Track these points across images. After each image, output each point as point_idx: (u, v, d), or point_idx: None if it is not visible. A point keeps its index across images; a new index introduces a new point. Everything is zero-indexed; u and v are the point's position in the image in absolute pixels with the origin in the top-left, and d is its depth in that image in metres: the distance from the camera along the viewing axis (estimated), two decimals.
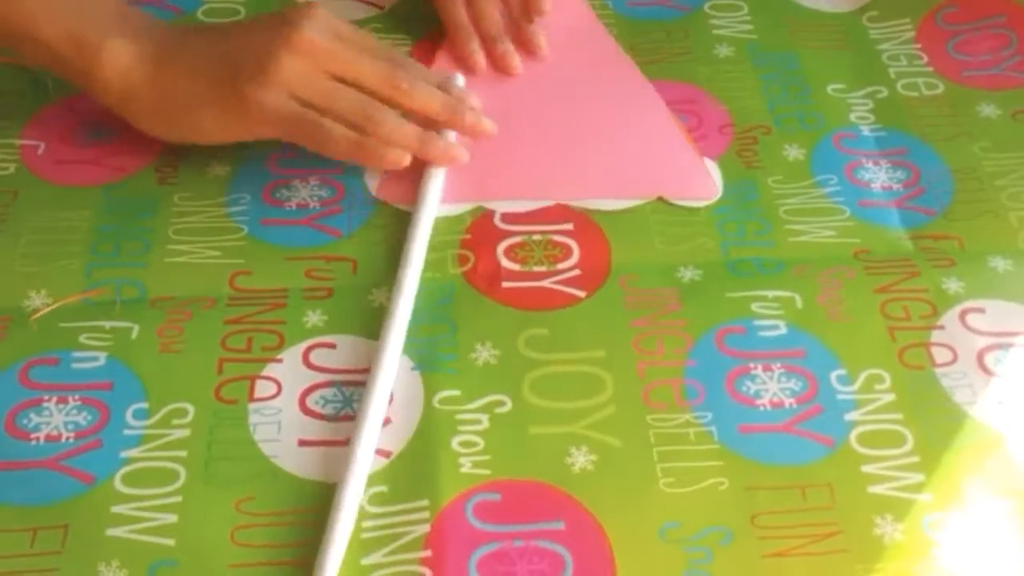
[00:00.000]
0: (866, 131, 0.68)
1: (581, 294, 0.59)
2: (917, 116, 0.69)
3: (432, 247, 0.61)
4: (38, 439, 0.53)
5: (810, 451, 0.53)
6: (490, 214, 0.63)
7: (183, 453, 0.53)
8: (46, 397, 0.54)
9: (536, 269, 0.60)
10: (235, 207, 0.63)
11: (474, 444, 0.53)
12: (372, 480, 0.52)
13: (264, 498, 0.51)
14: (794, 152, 0.67)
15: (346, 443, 0.53)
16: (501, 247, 0.62)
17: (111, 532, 0.50)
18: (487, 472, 0.52)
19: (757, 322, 0.58)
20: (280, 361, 0.56)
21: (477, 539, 0.50)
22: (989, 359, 0.57)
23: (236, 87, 0.59)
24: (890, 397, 0.55)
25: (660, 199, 0.63)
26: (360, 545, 0.50)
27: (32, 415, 0.54)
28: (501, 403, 0.55)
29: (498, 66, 0.69)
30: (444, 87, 0.65)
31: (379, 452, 0.53)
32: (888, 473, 0.53)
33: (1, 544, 0.50)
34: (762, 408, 0.55)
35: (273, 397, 0.55)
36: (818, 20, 0.75)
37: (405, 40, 0.73)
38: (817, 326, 0.58)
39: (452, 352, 0.57)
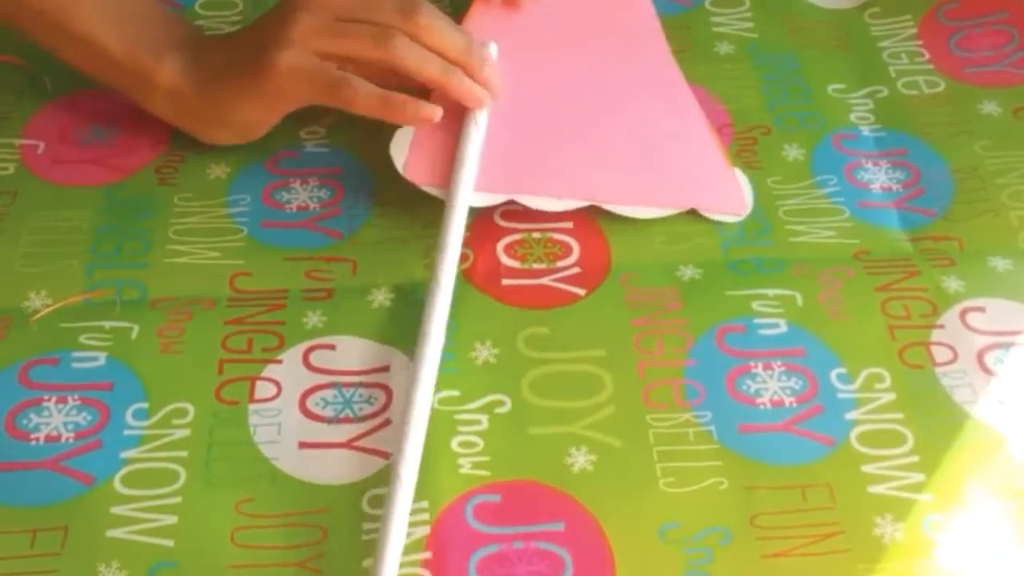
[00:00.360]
0: (866, 131, 0.68)
1: (581, 292, 0.59)
2: (918, 115, 0.69)
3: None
4: (38, 439, 0.53)
5: (810, 450, 0.53)
6: (490, 210, 0.63)
7: (183, 454, 0.53)
8: (46, 397, 0.54)
9: (536, 266, 0.60)
10: (235, 208, 0.63)
11: (474, 445, 0.53)
12: (371, 482, 0.52)
13: (264, 500, 0.51)
14: (794, 152, 0.66)
15: (347, 444, 0.53)
16: (501, 244, 0.61)
17: (111, 533, 0.50)
18: (487, 473, 0.52)
19: (757, 320, 0.58)
20: (280, 362, 0.56)
21: (477, 540, 0.50)
22: (989, 358, 0.57)
23: (262, 59, 0.59)
24: (890, 396, 0.55)
25: (691, 212, 0.63)
26: (360, 547, 0.50)
27: (32, 415, 0.54)
28: (501, 403, 0.55)
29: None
30: (460, 30, 0.62)
31: (378, 453, 0.53)
32: (888, 473, 0.52)
33: (1, 545, 0.50)
34: (762, 407, 0.55)
35: (273, 398, 0.55)
36: (819, 17, 0.75)
37: None
38: (817, 324, 0.58)
39: (451, 351, 0.57)
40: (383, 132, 0.63)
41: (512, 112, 0.64)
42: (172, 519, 0.51)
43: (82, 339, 0.56)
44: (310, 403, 0.55)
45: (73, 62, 0.63)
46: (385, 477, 0.52)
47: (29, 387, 0.55)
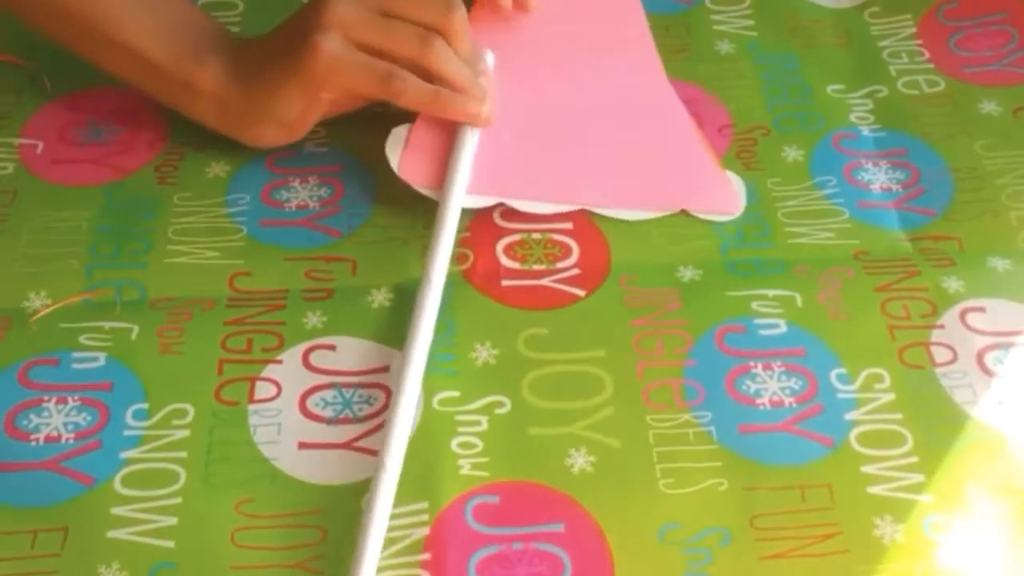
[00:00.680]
0: (866, 132, 0.68)
1: (580, 293, 0.59)
2: (917, 115, 0.69)
3: None
4: (38, 440, 0.53)
5: (810, 451, 0.53)
6: (489, 211, 0.63)
7: (183, 454, 0.53)
8: (46, 398, 0.54)
9: (536, 267, 0.60)
10: (234, 207, 0.63)
11: (473, 446, 0.53)
12: (371, 483, 0.52)
13: (264, 500, 0.51)
14: (793, 153, 0.66)
15: (347, 444, 0.53)
16: (500, 245, 0.61)
17: (111, 534, 0.50)
18: (486, 474, 0.52)
19: (757, 321, 0.58)
20: (280, 362, 0.56)
21: (477, 542, 0.50)
22: (989, 359, 0.57)
23: (304, 44, 0.59)
24: (890, 396, 0.55)
25: (683, 212, 0.63)
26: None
27: (32, 416, 0.54)
28: (500, 404, 0.55)
29: (517, 4, 0.66)
30: (472, 61, 0.63)
31: (378, 454, 0.53)
32: (888, 473, 0.52)
33: (1, 546, 0.50)
34: (762, 407, 0.55)
35: (273, 399, 0.55)
36: (819, 16, 0.75)
37: None
38: (817, 325, 0.58)
39: (451, 352, 0.57)
40: (383, 132, 0.63)
41: (504, 116, 0.65)
42: (172, 520, 0.51)
43: (82, 339, 0.56)
44: (310, 403, 0.55)
45: (113, 70, 0.64)
46: None
47: (29, 388, 0.55)
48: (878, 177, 0.65)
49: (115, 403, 0.54)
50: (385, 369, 0.56)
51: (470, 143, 0.62)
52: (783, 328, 0.58)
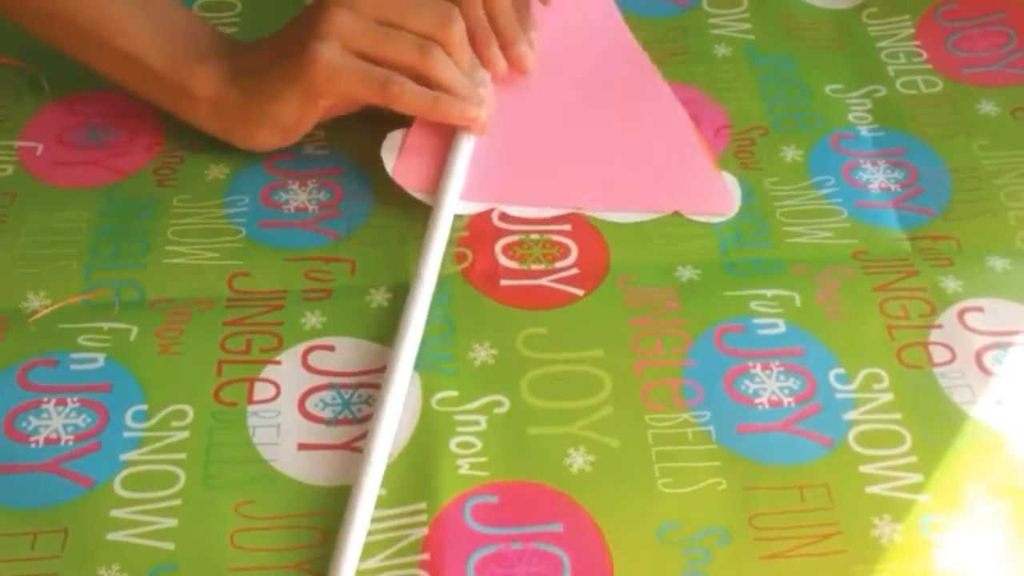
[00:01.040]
0: (864, 131, 0.68)
1: (579, 292, 0.59)
2: (916, 115, 0.69)
3: None
4: (37, 442, 0.53)
5: (808, 450, 0.53)
6: (488, 212, 0.63)
7: (182, 456, 0.53)
8: (45, 399, 0.54)
9: (534, 267, 0.60)
10: (233, 208, 0.63)
11: (472, 445, 0.53)
12: (354, 483, 0.52)
13: (263, 501, 0.51)
14: (792, 153, 0.66)
15: (346, 445, 0.53)
16: (499, 245, 0.62)
17: (111, 536, 0.50)
18: (485, 474, 0.52)
19: (756, 320, 0.58)
20: (279, 363, 0.56)
21: (475, 541, 0.50)
22: (987, 358, 0.57)
23: (304, 51, 0.59)
24: (888, 396, 0.55)
25: (676, 213, 0.63)
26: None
27: (31, 417, 0.54)
28: (499, 404, 0.55)
29: (514, 67, 0.66)
30: (472, 72, 0.64)
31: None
32: (886, 473, 0.52)
33: (1, 548, 0.49)
34: (760, 407, 0.55)
35: (272, 399, 0.55)
36: (817, 17, 0.75)
37: None
38: (816, 324, 0.58)
39: (450, 352, 0.57)
40: (381, 134, 0.63)
41: (498, 123, 0.65)
42: (172, 522, 0.50)
43: (81, 340, 0.56)
44: (309, 404, 0.55)
45: (109, 74, 0.64)
46: (383, 478, 0.52)
47: (28, 389, 0.55)
48: (876, 177, 0.65)
49: (114, 404, 0.54)
50: (384, 370, 0.56)
51: (466, 148, 0.63)
52: (782, 328, 0.58)
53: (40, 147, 0.66)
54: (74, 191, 0.64)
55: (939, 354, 0.57)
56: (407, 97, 0.60)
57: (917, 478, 0.52)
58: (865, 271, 0.60)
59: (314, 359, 0.56)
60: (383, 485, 0.52)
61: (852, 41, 0.73)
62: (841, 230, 0.62)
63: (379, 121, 0.64)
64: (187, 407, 0.54)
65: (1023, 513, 0.51)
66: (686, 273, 0.60)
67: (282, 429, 0.54)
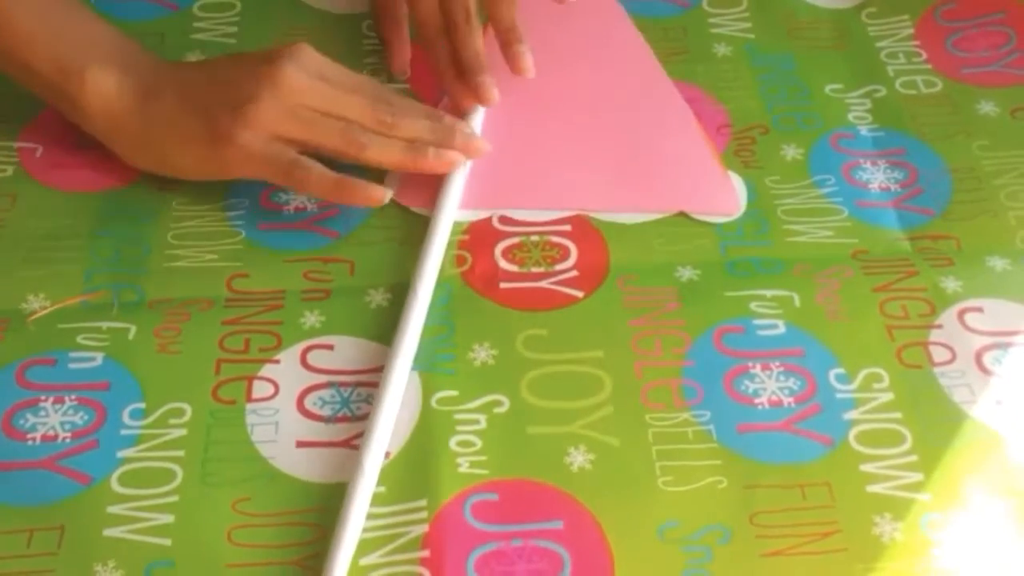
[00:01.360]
0: (864, 131, 0.68)
1: (579, 294, 0.59)
2: (915, 115, 0.69)
3: None
4: (35, 439, 0.53)
5: (809, 450, 0.53)
6: (487, 215, 0.63)
7: (180, 453, 0.53)
8: (43, 397, 0.54)
9: (534, 270, 0.60)
10: (233, 211, 0.63)
11: (472, 444, 0.53)
12: (348, 482, 0.51)
13: (261, 499, 0.51)
14: (792, 152, 0.66)
15: (345, 443, 0.53)
16: (499, 248, 0.61)
17: (108, 533, 0.50)
18: (485, 472, 0.52)
19: (756, 321, 0.58)
20: (278, 362, 0.56)
21: (475, 539, 0.50)
22: (987, 358, 0.57)
23: (217, 128, 0.58)
24: (888, 396, 0.55)
25: (680, 213, 0.63)
26: (358, 546, 0.50)
27: (29, 415, 0.54)
28: (499, 403, 0.55)
29: (476, 96, 0.65)
30: (432, 117, 0.63)
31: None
32: (887, 472, 0.52)
33: None
34: (760, 407, 0.55)
35: (271, 398, 0.55)
36: (817, 17, 0.75)
37: None
38: (816, 325, 0.58)
39: (450, 352, 0.57)
40: None
41: (499, 128, 0.65)
42: (169, 518, 0.50)
43: (79, 339, 0.56)
44: (308, 402, 0.54)
45: (8, 75, 0.62)
46: (384, 476, 0.52)
47: (26, 387, 0.55)
48: (876, 176, 0.65)
49: (112, 402, 0.54)
50: (382, 369, 0.56)
51: (461, 171, 0.63)
52: (781, 328, 0.58)
53: (40, 149, 0.66)
54: (75, 195, 0.63)
55: (939, 354, 0.57)
56: (312, 183, 0.59)
57: (917, 477, 0.52)
58: (865, 271, 0.60)
59: (313, 358, 0.56)
60: (383, 482, 0.52)
61: (852, 41, 0.73)
62: (841, 229, 0.62)
63: None
64: (185, 405, 0.54)
65: (1022, 512, 0.51)
66: (686, 273, 0.60)
67: (280, 427, 0.54)
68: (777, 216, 0.63)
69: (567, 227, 0.63)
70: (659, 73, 0.70)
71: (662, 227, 0.62)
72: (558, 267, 0.61)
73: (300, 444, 0.53)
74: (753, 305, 0.59)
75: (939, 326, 0.58)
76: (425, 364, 0.56)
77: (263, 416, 0.54)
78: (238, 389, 0.55)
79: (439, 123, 0.62)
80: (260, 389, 0.55)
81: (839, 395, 0.55)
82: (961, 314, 0.59)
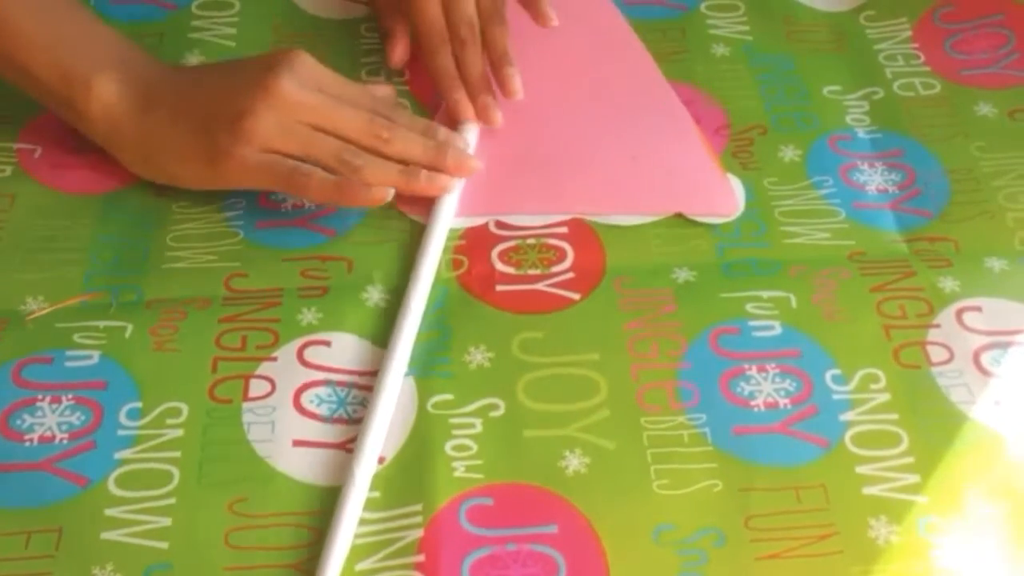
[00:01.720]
0: (862, 133, 0.68)
1: (575, 297, 0.59)
2: (913, 116, 0.69)
3: None
4: (31, 440, 0.53)
5: (804, 452, 0.53)
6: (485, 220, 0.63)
7: (176, 454, 0.53)
8: (39, 396, 0.54)
9: (530, 272, 0.60)
10: (231, 212, 0.63)
11: (467, 448, 0.53)
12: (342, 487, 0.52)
13: (257, 499, 0.51)
14: (790, 153, 0.66)
15: (341, 445, 0.53)
16: (495, 251, 0.62)
17: (105, 535, 0.50)
18: (480, 476, 0.52)
19: (752, 323, 0.58)
20: (274, 360, 0.56)
21: (470, 543, 0.50)
22: (985, 358, 0.57)
23: (214, 145, 0.59)
24: (885, 397, 0.55)
25: (678, 215, 0.63)
26: (354, 551, 0.50)
27: (26, 415, 0.54)
28: (495, 406, 0.55)
29: (480, 117, 0.66)
30: (426, 131, 0.63)
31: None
32: (883, 474, 0.52)
33: None
34: (756, 409, 0.55)
35: (267, 396, 0.55)
36: (815, 19, 0.75)
37: None
38: (812, 326, 0.58)
39: (446, 356, 0.57)
40: None
41: (497, 133, 0.66)
42: (166, 521, 0.50)
43: (76, 338, 0.56)
44: (304, 400, 0.55)
45: (10, 82, 0.62)
46: (379, 481, 0.52)
47: (23, 387, 0.55)
48: (874, 178, 0.65)
49: (109, 402, 0.54)
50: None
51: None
52: (777, 330, 0.58)
53: (39, 149, 0.66)
54: (74, 196, 0.63)
55: (937, 354, 0.57)
56: (313, 188, 0.59)
57: (914, 479, 0.52)
58: (862, 272, 0.60)
59: (310, 354, 0.56)
60: (378, 487, 0.52)
61: (850, 43, 0.73)
62: (839, 231, 0.62)
63: None
64: (182, 405, 0.54)
65: (1021, 514, 0.51)
66: (682, 275, 0.60)
67: (277, 426, 0.54)
68: (774, 217, 0.63)
69: (564, 229, 0.62)
70: (657, 76, 0.70)
71: (659, 228, 0.62)
72: (554, 269, 0.61)
73: (297, 443, 0.53)
74: (749, 306, 0.59)
75: (937, 326, 0.58)
76: (421, 368, 0.56)
77: (259, 415, 0.54)
78: (234, 388, 0.55)
79: (433, 140, 0.63)
80: (257, 387, 0.55)
81: (835, 396, 0.55)
82: (959, 313, 0.58)
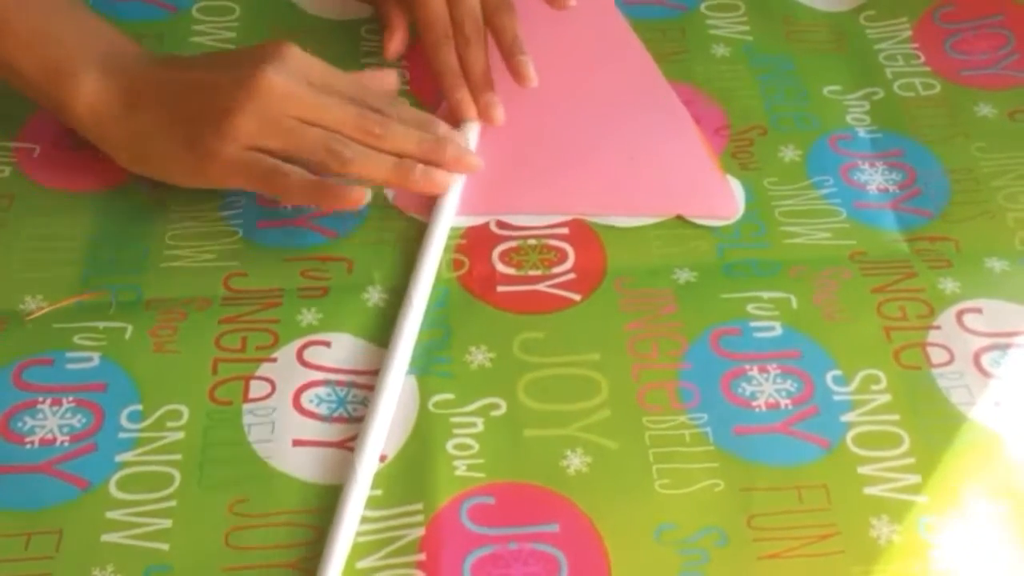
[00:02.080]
0: (862, 133, 0.68)
1: (576, 297, 0.59)
2: (914, 117, 0.69)
3: None
4: (32, 442, 0.53)
5: (806, 452, 0.53)
6: (486, 220, 0.63)
7: (177, 456, 0.53)
8: (40, 399, 0.54)
9: (531, 273, 0.60)
10: (230, 210, 0.63)
11: (469, 447, 0.53)
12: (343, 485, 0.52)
13: (258, 500, 0.51)
14: (790, 154, 0.66)
15: (341, 444, 0.53)
16: (496, 251, 0.61)
17: (106, 538, 0.50)
18: (482, 475, 0.52)
19: (752, 323, 0.58)
20: (274, 360, 0.56)
21: (472, 542, 0.50)
22: (986, 359, 0.57)
23: (198, 144, 0.58)
24: (886, 398, 0.55)
25: (678, 217, 0.63)
26: (355, 549, 0.50)
27: (26, 418, 0.54)
28: (496, 406, 0.55)
29: (482, 115, 0.66)
30: (425, 125, 0.62)
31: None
32: (884, 474, 0.52)
33: None
34: (757, 409, 0.55)
35: (267, 397, 0.55)
36: (815, 19, 0.75)
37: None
38: (813, 327, 0.58)
39: (447, 355, 0.57)
40: None
41: (497, 133, 0.66)
42: (167, 523, 0.50)
43: (76, 339, 0.56)
44: (304, 400, 0.54)
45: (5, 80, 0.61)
46: (381, 479, 0.52)
47: (23, 389, 0.55)
48: (875, 178, 0.65)
49: (109, 404, 0.54)
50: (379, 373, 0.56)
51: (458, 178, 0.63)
52: (778, 331, 0.58)
53: (37, 149, 0.66)
54: (72, 195, 0.63)
55: (937, 355, 0.57)
56: (293, 188, 0.57)
57: (915, 479, 0.52)
58: (863, 272, 0.60)
59: (309, 354, 0.56)
60: (380, 486, 0.52)
61: (850, 43, 0.73)
62: (840, 231, 0.62)
63: None
64: (182, 407, 0.54)
65: (1021, 514, 0.51)
66: (683, 275, 0.60)
67: (277, 426, 0.54)
68: (775, 218, 0.63)
69: (565, 230, 0.62)
70: (657, 76, 0.70)
71: (659, 229, 0.62)
72: (555, 270, 0.60)
73: (297, 443, 0.53)
74: (750, 307, 0.59)
75: (937, 327, 0.58)
76: (422, 368, 0.56)
77: (260, 416, 0.54)
78: (235, 389, 0.55)
79: (431, 134, 0.61)
80: (257, 389, 0.55)
81: (836, 397, 0.55)
82: (960, 315, 0.58)
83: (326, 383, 0.55)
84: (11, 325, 0.57)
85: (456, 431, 0.54)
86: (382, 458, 0.53)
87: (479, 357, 0.57)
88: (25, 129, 0.66)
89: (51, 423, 0.53)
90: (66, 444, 0.53)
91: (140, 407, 0.54)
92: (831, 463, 0.53)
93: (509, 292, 0.59)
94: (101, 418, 0.54)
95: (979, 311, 0.59)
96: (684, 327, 0.58)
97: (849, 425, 0.54)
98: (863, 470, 0.52)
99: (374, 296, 0.59)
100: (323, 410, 0.54)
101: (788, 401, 0.55)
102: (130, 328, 0.57)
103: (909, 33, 0.74)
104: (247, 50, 0.61)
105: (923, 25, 0.74)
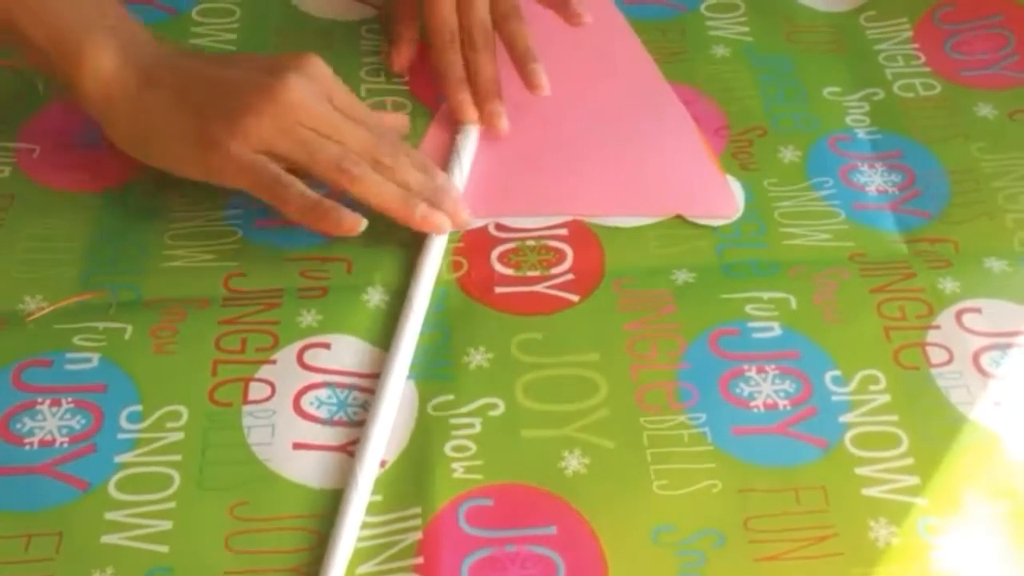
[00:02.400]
0: (862, 134, 0.68)
1: (575, 298, 0.59)
2: (913, 117, 0.69)
3: None
4: (32, 444, 0.53)
5: (804, 453, 0.53)
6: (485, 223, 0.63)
7: (177, 457, 0.53)
8: (39, 399, 0.54)
9: (530, 274, 0.60)
10: (230, 210, 0.63)
11: (467, 449, 0.53)
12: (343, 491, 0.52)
13: (258, 503, 0.51)
14: (789, 155, 0.66)
15: (341, 448, 0.53)
16: (495, 253, 0.62)
17: (105, 539, 0.50)
18: (479, 477, 0.52)
19: (751, 324, 0.58)
20: (274, 362, 0.56)
21: (469, 545, 0.50)
22: (985, 359, 0.57)
23: (207, 132, 0.57)
24: (885, 398, 0.55)
25: (677, 216, 0.63)
26: (355, 554, 0.50)
27: (26, 419, 0.54)
28: (494, 406, 0.55)
29: (486, 123, 0.66)
30: (426, 170, 0.62)
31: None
32: (883, 476, 0.52)
33: None
34: (756, 410, 0.55)
35: (267, 399, 0.55)
36: (815, 20, 0.75)
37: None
38: (811, 327, 0.58)
39: (446, 358, 0.57)
40: None
41: (496, 136, 0.66)
42: (167, 524, 0.50)
43: (75, 340, 0.56)
44: (304, 403, 0.54)
45: (13, 48, 0.60)
46: (380, 484, 0.52)
47: (23, 390, 0.55)
48: (874, 179, 0.65)
49: (109, 405, 0.54)
50: (379, 377, 0.56)
51: (465, 164, 0.64)
52: (777, 331, 0.58)
53: (37, 149, 0.66)
54: (72, 195, 0.63)
55: (937, 355, 0.57)
56: (291, 201, 0.57)
57: (914, 480, 0.52)
58: (862, 273, 0.60)
59: (309, 357, 0.56)
60: (378, 491, 0.52)
61: (850, 44, 0.73)
62: (839, 232, 0.62)
63: None
64: (182, 408, 0.54)
65: (1021, 514, 0.51)
66: (682, 276, 0.60)
67: (277, 429, 0.54)
68: (774, 218, 0.63)
69: (563, 231, 0.63)
70: (656, 77, 0.70)
71: (658, 230, 0.62)
72: (554, 271, 0.61)
73: (297, 446, 0.53)
74: (749, 308, 0.59)
75: (937, 327, 0.58)
76: (421, 371, 0.56)
77: (259, 418, 0.54)
78: (234, 391, 0.55)
79: (432, 181, 0.61)
80: (256, 391, 0.55)
81: (835, 398, 0.55)
82: (959, 315, 0.58)
83: (326, 385, 0.55)
84: (11, 325, 0.57)
85: (454, 433, 0.54)
86: (382, 464, 0.53)
87: (477, 358, 0.57)
88: (25, 129, 0.66)
89: (50, 424, 0.54)
90: (65, 445, 0.53)
91: (140, 408, 0.54)
92: (829, 464, 0.53)
93: (508, 293, 0.60)
94: (100, 419, 0.54)
95: (979, 311, 0.59)
96: (683, 327, 0.58)
97: (848, 426, 0.54)
98: (861, 471, 0.52)
99: (374, 297, 0.59)
100: (323, 413, 0.54)
101: (786, 402, 0.55)
102: (130, 329, 0.57)
103: (909, 34, 0.74)
104: (273, 56, 0.61)
105: (923, 25, 0.74)
